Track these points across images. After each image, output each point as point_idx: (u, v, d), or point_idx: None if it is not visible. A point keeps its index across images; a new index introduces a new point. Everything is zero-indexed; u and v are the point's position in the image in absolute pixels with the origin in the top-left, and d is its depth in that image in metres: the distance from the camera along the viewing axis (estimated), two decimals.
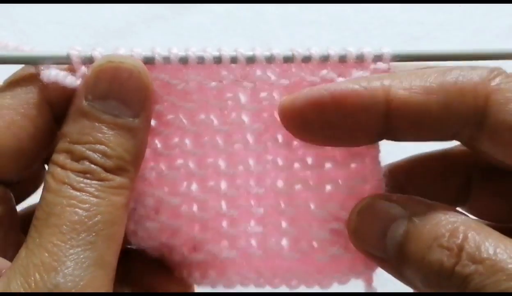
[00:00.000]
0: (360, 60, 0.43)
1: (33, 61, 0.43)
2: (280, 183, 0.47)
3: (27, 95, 0.41)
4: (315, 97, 0.41)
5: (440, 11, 0.80)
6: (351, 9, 0.80)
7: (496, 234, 0.38)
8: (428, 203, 0.42)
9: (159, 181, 0.47)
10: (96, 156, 0.39)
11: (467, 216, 0.41)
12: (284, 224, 0.48)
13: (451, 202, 0.50)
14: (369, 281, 0.49)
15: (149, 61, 0.42)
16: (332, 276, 0.48)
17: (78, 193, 0.38)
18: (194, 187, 0.46)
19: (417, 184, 0.49)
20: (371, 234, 0.43)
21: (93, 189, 0.38)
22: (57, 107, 0.42)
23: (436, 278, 0.38)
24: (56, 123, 0.43)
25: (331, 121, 0.41)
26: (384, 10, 0.80)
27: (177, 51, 0.43)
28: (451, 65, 0.42)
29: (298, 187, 0.47)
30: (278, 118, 0.45)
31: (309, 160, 0.46)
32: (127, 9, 0.78)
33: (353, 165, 0.46)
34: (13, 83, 0.42)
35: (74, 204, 0.38)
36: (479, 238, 0.38)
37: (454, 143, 0.49)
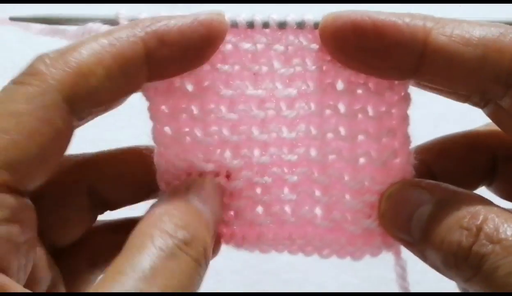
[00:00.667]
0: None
1: (81, 21, 0.45)
2: (313, 152, 0.49)
3: (44, 97, 0.41)
4: (357, 21, 0.43)
5: (440, 11, 0.80)
6: (351, 9, 0.80)
7: None
8: (455, 190, 0.44)
9: (193, 146, 0.47)
10: None
11: (491, 202, 0.44)
12: (317, 193, 0.50)
13: (477, 182, 0.52)
14: (398, 253, 0.51)
15: None
16: (364, 248, 0.50)
17: None
18: (227, 154, 0.48)
19: (443, 165, 0.52)
20: (399, 217, 0.46)
21: None
22: (78, 103, 0.42)
23: (454, 259, 0.41)
24: (77, 119, 0.43)
25: (367, 47, 0.43)
26: (384, 10, 0.80)
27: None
28: (498, 23, 0.44)
29: (331, 157, 0.48)
30: (311, 87, 0.46)
31: (342, 131, 0.48)
32: (127, 9, 0.78)
33: (384, 139, 0.47)
34: (25, 83, 0.42)
35: None
36: (499, 220, 0.40)
37: (477, 125, 0.50)
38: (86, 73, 0.42)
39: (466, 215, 0.41)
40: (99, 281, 0.40)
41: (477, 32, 0.43)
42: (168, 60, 0.45)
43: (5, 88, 0.42)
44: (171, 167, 0.47)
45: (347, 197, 0.49)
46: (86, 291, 0.42)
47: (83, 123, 0.48)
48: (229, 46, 0.47)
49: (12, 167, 0.40)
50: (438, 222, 0.42)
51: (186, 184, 0.46)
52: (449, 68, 0.43)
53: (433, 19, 0.44)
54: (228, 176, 0.48)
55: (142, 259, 0.40)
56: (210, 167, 0.48)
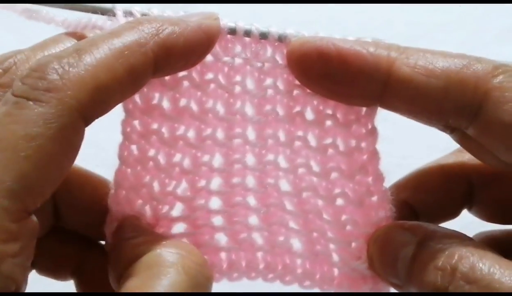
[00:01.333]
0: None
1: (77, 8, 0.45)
2: (284, 185, 0.47)
3: (63, 119, 0.40)
4: (322, 48, 0.42)
5: (439, 11, 0.80)
6: (351, 9, 0.80)
7: (492, 254, 0.39)
8: (434, 229, 0.44)
9: (154, 172, 0.47)
10: None
11: (469, 238, 0.42)
12: (292, 224, 0.48)
13: (457, 209, 0.51)
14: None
15: None
16: (352, 290, 0.48)
17: None
18: (183, 186, 0.47)
19: (422, 200, 0.51)
20: (386, 260, 0.45)
21: None
22: (91, 118, 0.42)
23: None
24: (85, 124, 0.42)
25: (332, 74, 0.42)
26: (384, 10, 0.80)
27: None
28: (459, 53, 0.42)
29: (306, 193, 0.47)
30: (281, 115, 0.45)
31: (314, 166, 0.47)
32: (127, 9, 0.78)
33: (357, 177, 0.46)
34: (42, 101, 0.40)
35: None
36: (474, 258, 0.39)
37: (449, 153, 0.50)
38: (102, 90, 0.40)
39: (441, 255, 0.40)
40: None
41: (440, 63, 0.42)
42: (173, 66, 0.45)
43: (18, 104, 0.40)
44: (127, 192, 0.47)
45: (330, 234, 0.48)
46: None
47: None
48: (209, 58, 0.46)
49: (33, 192, 0.39)
50: (418, 263, 0.41)
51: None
52: (412, 99, 0.42)
53: (398, 48, 0.44)
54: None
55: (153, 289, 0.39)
56: (160, 198, 0.47)
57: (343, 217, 0.47)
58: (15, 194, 0.38)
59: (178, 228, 0.48)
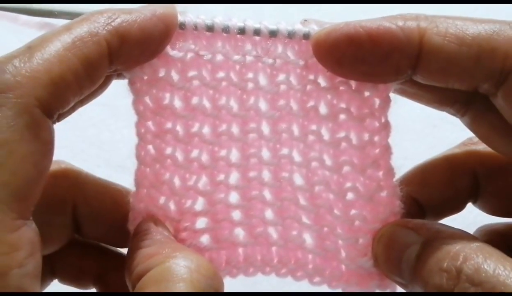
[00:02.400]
0: None
1: (73, 15, 0.46)
2: (298, 179, 0.48)
3: (25, 118, 0.40)
4: (351, 34, 0.42)
5: (440, 12, 0.80)
6: (351, 9, 0.80)
7: (497, 254, 0.40)
8: (439, 229, 0.44)
9: (173, 169, 0.47)
10: None
11: (474, 238, 0.43)
12: (304, 219, 0.49)
13: (463, 202, 0.52)
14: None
15: (180, 26, 0.47)
16: (358, 287, 0.49)
17: None
18: (203, 180, 0.47)
19: (427, 194, 0.51)
20: (390, 260, 0.46)
21: None
22: (53, 111, 0.42)
23: None
24: (52, 122, 0.42)
25: (365, 57, 0.42)
26: (384, 10, 0.80)
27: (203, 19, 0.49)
28: (490, 18, 0.43)
29: (319, 187, 0.48)
30: (294, 109, 0.46)
31: (327, 160, 0.47)
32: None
33: (369, 170, 0.47)
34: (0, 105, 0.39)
35: None
36: (479, 260, 0.39)
37: (454, 147, 0.51)
38: (58, 82, 0.40)
39: (446, 256, 0.40)
40: None
41: (470, 30, 0.43)
42: (129, 54, 0.45)
43: None
44: (148, 191, 0.47)
45: (339, 230, 0.48)
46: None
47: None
48: (219, 57, 0.46)
49: (20, 198, 0.39)
50: (423, 264, 0.42)
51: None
52: (444, 68, 0.43)
53: (426, 18, 0.45)
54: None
55: None
56: (182, 193, 0.48)
57: (352, 212, 0.48)
58: (4, 205, 0.38)
59: (200, 223, 0.49)
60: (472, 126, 0.49)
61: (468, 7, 0.81)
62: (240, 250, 0.50)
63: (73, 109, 0.46)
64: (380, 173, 0.48)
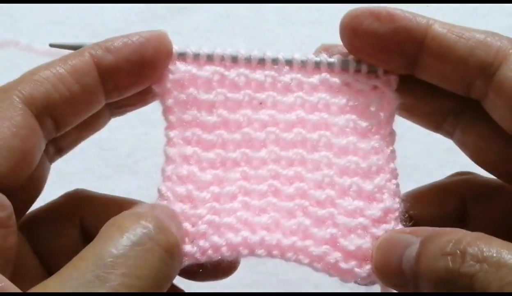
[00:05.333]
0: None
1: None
2: (307, 177, 0.52)
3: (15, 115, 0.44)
4: (374, 9, 0.50)
5: (440, 11, 0.80)
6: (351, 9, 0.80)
7: (498, 240, 0.41)
8: (437, 229, 0.46)
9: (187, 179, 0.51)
10: None
11: (472, 232, 0.44)
12: (310, 206, 0.51)
13: (451, 222, 0.54)
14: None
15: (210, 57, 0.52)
16: (355, 271, 0.50)
17: None
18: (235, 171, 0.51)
19: (419, 208, 0.55)
20: (390, 262, 0.47)
21: None
22: (45, 114, 0.45)
23: (445, 284, 0.41)
24: (53, 129, 0.46)
25: (378, 29, 0.49)
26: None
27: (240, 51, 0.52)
28: (488, 30, 0.49)
29: (326, 183, 0.51)
30: (308, 118, 0.52)
31: (335, 167, 0.51)
32: (127, 9, 0.78)
33: (373, 169, 0.51)
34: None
35: None
36: (481, 242, 0.41)
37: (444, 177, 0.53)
38: (45, 84, 0.46)
39: (448, 243, 0.42)
40: (62, 269, 0.40)
41: (471, 32, 0.49)
42: (117, 70, 0.48)
43: None
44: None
45: (340, 217, 0.50)
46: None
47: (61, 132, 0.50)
48: (242, 78, 0.53)
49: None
50: (425, 256, 0.44)
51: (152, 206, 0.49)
52: (443, 56, 0.49)
53: (436, 19, 0.51)
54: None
55: (106, 246, 0.40)
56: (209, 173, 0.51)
57: (354, 201, 0.51)
58: None
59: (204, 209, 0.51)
60: (463, 140, 0.53)
61: (468, 7, 0.81)
62: (243, 232, 0.50)
63: (74, 142, 0.51)
64: (383, 174, 0.51)
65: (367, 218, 0.50)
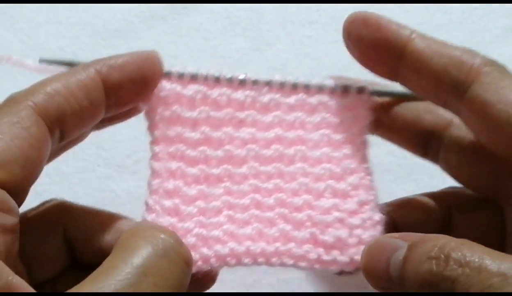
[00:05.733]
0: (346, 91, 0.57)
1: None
2: (285, 186, 0.55)
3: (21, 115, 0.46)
4: (366, 16, 0.54)
5: (440, 11, 0.80)
6: (351, 9, 0.80)
7: (481, 247, 0.44)
8: (425, 234, 0.48)
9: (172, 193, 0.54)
10: None
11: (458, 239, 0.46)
12: (287, 212, 0.54)
13: (435, 228, 0.56)
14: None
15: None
16: (339, 259, 0.53)
17: None
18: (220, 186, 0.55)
19: (403, 213, 0.58)
20: (378, 265, 0.49)
21: None
22: (55, 122, 0.48)
23: (429, 287, 0.43)
24: (58, 137, 0.49)
25: (366, 38, 0.53)
26: (384, 10, 0.80)
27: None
28: (467, 48, 0.51)
29: (301, 194, 0.55)
30: (285, 135, 0.56)
31: (310, 181, 0.55)
32: (127, 9, 0.78)
33: (347, 172, 0.55)
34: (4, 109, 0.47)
35: None
36: (465, 248, 0.43)
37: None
38: (55, 96, 0.48)
39: (433, 247, 0.44)
40: (94, 274, 0.42)
41: (448, 49, 0.51)
42: (120, 87, 0.51)
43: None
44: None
45: (318, 216, 0.54)
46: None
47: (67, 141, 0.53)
48: (224, 98, 0.56)
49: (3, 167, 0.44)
50: (412, 260, 0.45)
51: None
52: (419, 69, 0.51)
53: (419, 32, 0.53)
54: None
55: (134, 256, 0.42)
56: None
57: (329, 202, 0.55)
58: None
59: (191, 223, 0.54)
60: (447, 159, 0.55)
61: (468, 7, 0.81)
62: (230, 244, 0.54)
63: (55, 154, 0.52)
64: (357, 174, 0.55)
65: (343, 211, 0.54)
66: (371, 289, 0.61)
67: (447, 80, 0.50)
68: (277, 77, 0.56)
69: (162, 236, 0.45)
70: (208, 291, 0.65)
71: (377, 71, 0.54)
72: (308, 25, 0.79)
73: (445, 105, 0.52)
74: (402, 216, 0.57)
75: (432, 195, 0.59)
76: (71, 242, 0.53)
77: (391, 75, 0.53)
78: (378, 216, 0.54)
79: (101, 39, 0.76)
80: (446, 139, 0.55)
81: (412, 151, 0.58)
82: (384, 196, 0.69)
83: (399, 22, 0.53)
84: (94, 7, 0.78)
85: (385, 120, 0.56)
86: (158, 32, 0.77)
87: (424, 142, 0.56)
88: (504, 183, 0.52)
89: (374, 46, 0.52)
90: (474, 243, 0.44)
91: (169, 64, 0.75)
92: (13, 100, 0.47)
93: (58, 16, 0.77)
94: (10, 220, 0.43)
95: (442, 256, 0.43)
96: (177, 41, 0.77)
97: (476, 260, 0.42)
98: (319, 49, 0.77)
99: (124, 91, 0.52)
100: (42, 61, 0.58)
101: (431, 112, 0.55)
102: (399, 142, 0.58)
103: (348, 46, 0.54)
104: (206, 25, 0.78)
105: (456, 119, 0.54)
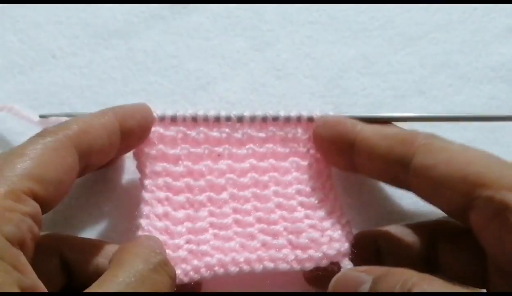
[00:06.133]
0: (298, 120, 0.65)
1: None
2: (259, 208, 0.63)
3: (59, 142, 0.54)
4: (326, 119, 0.64)
5: (440, 11, 0.80)
6: (351, 9, 0.80)
7: (441, 282, 0.49)
8: (388, 269, 0.53)
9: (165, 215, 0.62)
10: None
11: (423, 274, 0.51)
12: (264, 226, 0.63)
13: (418, 254, 0.61)
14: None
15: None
16: (314, 255, 0.61)
17: None
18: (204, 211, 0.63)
19: (385, 235, 0.63)
20: None
21: None
22: (83, 150, 0.55)
23: None
24: (82, 166, 0.56)
25: (325, 136, 0.63)
26: (384, 10, 0.80)
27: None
28: (410, 130, 0.59)
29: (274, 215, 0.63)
30: (257, 164, 0.65)
31: (283, 203, 0.64)
32: (127, 9, 0.78)
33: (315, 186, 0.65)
34: (45, 136, 0.54)
35: None
36: (425, 283, 0.48)
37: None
38: (89, 132, 0.56)
39: (396, 283, 0.49)
40: (96, 283, 0.48)
41: (393, 132, 0.59)
42: (132, 132, 0.60)
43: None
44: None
45: (293, 225, 0.62)
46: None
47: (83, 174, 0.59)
48: (202, 135, 0.64)
49: (37, 181, 0.50)
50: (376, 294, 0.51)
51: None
52: (369, 154, 0.59)
53: (365, 124, 0.61)
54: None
55: (132, 268, 0.50)
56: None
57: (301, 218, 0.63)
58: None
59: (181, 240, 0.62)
60: (416, 183, 0.59)
61: (468, 7, 0.81)
62: (217, 256, 0.61)
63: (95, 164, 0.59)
64: (323, 190, 0.65)
65: (314, 219, 0.62)
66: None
67: (394, 158, 0.57)
68: (247, 113, 0.65)
69: (152, 254, 0.52)
70: (208, 291, 0.64)
71: (338, 165, 0.63)
72: (308, 25, 0.78)
73: (397, 182, 0.59)
74: (386, 243, 0.62)
75: (417, 225, 0.63)
76: (68, 264, 0.57)
77: (350, 167, 0.62)
78: (344, 220, 0.63)
79: (101, 39, 0.76)
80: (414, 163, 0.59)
81: (385, 181, 0.63)
82: (380, 201, 0.69)
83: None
84: (94, 7, 0.78)
85: (360, 161, 0.61)
86: (158, 32, 0.77)
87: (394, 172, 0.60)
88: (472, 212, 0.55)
89: (332, 141, 0.62)
90: (435, 278, 0.49)
91: (169, 64, 0.76)
92: (52, 132, 0.53)
93: (58, 16, 0.77)
94: (37, 231, 0.49)
95: (405, 291, 0.48)
96: (177, 41, 0.77)
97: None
98: (319, 49, 0.77)
99: (134, 136, 0.60)
100: (42, 116, 0.66)
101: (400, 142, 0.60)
102: (374, 176, 0.63)
103: (315, 146, 0.64)
104: (206, 25, 0.78)
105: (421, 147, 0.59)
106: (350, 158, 0.60)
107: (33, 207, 0.48)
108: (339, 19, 0.80)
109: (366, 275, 0.53)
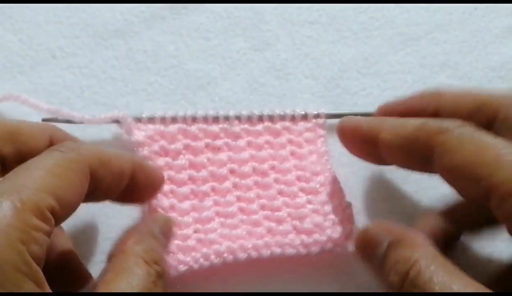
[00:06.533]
0: (304, 117, 0.69)
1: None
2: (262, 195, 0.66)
3: (76, 163, 0.53)
4: (347, 123, 0.66)
5: (440, 11, 0.80)
6: (351, 9, 0.80)
7: (450, 268, 0.50)
8: (403, 233, 0.55)
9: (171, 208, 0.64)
10: None
11: (428, 246, 0.53)
12: (269, 213, 0.65)
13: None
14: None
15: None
16: (319, 240, 0.63)
17: None
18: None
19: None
20: (366, 253, 0.57)
21: None
22: (95, 175, 0.54)
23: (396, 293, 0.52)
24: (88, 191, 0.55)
25: (352, 136, 0.65)
26: (384, 10, 0.80)
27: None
28: (423, 119, 0.59)
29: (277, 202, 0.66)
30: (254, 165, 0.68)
31: (284, 189, 0.67)
32: (127, 9, 0.78)
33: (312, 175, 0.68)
34: (61, 151, 0.53)
35: None
36: (423, 264, 0.50)
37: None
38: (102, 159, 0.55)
39: (399, 260, 0.52)
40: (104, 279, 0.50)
41: (411, 127, 0.59)
42: (143, 184, 0.60)
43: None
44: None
45: (296, 211, 0.65)
46: None
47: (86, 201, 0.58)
48: (201, 131, 0.67)
49: (57, 198, 0.50)
50: (387, 262, 0.53)
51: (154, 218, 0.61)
52: (394, 154, 0.60)
53: (383, 121, 0.62)
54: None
55: (134, 279, 0.51)
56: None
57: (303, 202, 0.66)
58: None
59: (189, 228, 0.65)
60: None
61: (468, 7, 0.81)
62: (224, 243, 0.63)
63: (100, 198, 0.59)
64: (322, 175, 0.67)
65: (317, 204, 0.65)
66: (371, 289, 0.61)
67: (415, 156, 0.58)
68: (244, 112, 0.68)
69: (150, 263, 0.53)
70: (207, 291, 0.64)
71: (369, 160, 0.65)
72: (308, 25, 0.78)
73: (428, 168, 0.58)
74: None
75: (441, 213, 0.63)
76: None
77: (379, 161, 0.63)
78: (345, 202, 0.65)
79: (101, 39, 0.76)
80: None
81: (412, 168, 0.62)
82: (383, 196, 0.69)
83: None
84: (94, 7, 0.78)
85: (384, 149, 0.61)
86: (158, 32, 0.77)
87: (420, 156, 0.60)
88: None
89: (358, 143, 0.63)
90: (445, 263, 0.50)
91: (169, 64, 0.76)
92: (73, 161, 0.52)
93: (58, 16, 0.77)
94: (47, 242, 0.49)
95: (402, 273, 0.50)
96: (177, 41, 0.77)
97: (428, 284, 0.48)
98: (319, 49, 0.77)
99: (144, 190, 0.60)
100: (44, 120, 0.68)
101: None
102: (399, 163, 0.63)
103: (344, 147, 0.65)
104: (206, 25, 0.78)
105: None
106: (375, 152, 0.62)
107: (52, 225, 0.49)
108: (339, 19, 0.80)
109: (384, 235, 0.55)
